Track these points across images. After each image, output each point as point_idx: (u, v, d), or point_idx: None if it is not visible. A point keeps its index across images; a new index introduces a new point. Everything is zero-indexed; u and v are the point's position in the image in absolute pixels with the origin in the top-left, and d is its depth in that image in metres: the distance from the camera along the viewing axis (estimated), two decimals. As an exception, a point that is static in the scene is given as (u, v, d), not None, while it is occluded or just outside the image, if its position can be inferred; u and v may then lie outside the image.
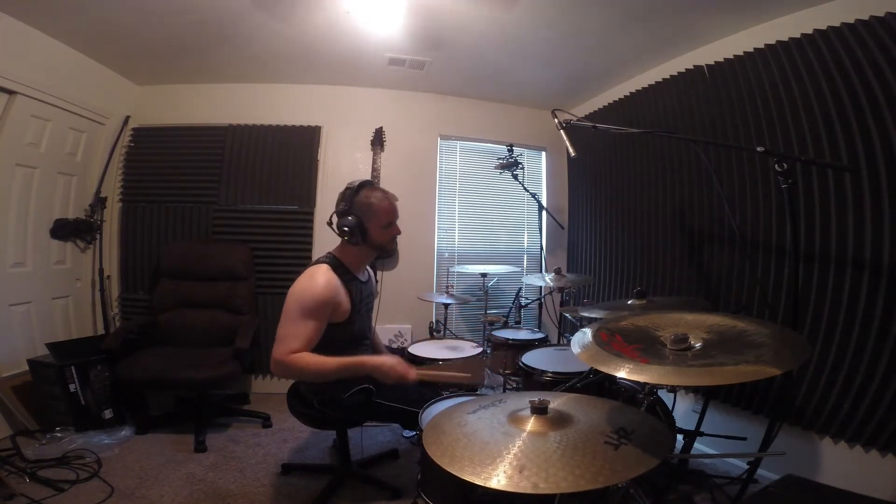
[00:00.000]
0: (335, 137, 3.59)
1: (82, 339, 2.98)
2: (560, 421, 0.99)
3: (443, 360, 2.35)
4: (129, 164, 3.42)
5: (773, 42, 2.22)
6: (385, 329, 3.46)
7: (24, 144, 2.71)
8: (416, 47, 2.89)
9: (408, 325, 3.56)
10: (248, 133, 3.49)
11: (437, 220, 3.76)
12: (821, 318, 2.02)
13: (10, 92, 2.54)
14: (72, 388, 2.51)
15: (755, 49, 2.30)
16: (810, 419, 2.05)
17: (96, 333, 3.21)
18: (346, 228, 1.80)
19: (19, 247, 2.73)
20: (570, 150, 1.92)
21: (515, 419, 1.01)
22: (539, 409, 0.99)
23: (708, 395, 2.31)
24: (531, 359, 2.18)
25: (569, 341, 2.14)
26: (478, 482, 0.81)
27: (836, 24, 1.96)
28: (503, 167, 3.28)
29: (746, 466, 1.69)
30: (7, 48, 2.47)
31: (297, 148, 3.51)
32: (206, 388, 2.69)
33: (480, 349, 2.53)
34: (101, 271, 3.23)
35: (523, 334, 2.76)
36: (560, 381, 1.91)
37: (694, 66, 2.64)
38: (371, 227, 1.83)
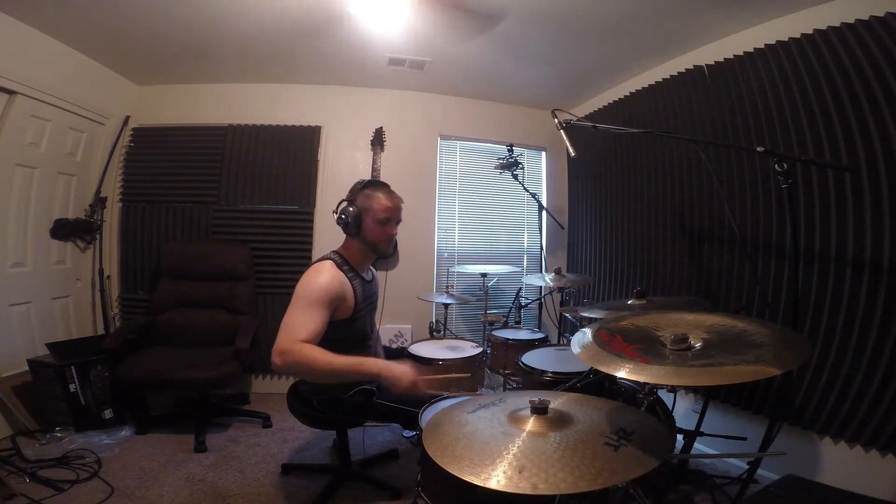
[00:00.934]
0: (335, 137, 3.59)
1: (82, 339, 2.98)
2: (560, 421, 0.99)
3: (443, 360, 2.35)
4: (129, 164, 3.42)
5: (773, 42, 2.22)
6: (385, 329, 3.46)
7: (24, 144, 2.71)
8: (416, 47, 2.89)
9: (408, 325, 3.56)
10: (248, 133, 3.49)
11: (437, 220, 3.76)
12: (821, 318, 2.02)
13: (10, 92, 2.54)
14: (72, 388, 2.50)
15: (755, 49, 2.30)
16: (810, 419, 2.05)
17: (96, 333, 3.21)
18: (343, 217, 1.81)
19: (19, 247, 2.73)
20: (570, 150, 1.92)
21: (515, 419, 1.01)
22: (539, 409, 0.99)
23: (708, 395, 2.31)
24: (531, 359, 2.18)
25: (569, 341, 2.14)
26: (477, 482, 0.81)
27: (836, 24, 1.96)
28: (503, 167, 3.28)
29: (746, 466, 1.69)
30: (7, 48, 2.47)
31: (297, 148, 3.51)
32: (206, 388, 2.69)
33: (480, 349, 2.53)
34: (101, 271, 3.23)
35: (523, 334, 2.76)
36: (560, 381, 1.91)
37: (694, 66, 2.64)
38: (367, 220, 1.82)
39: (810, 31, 2.06)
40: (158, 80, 3.43)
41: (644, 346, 1.11)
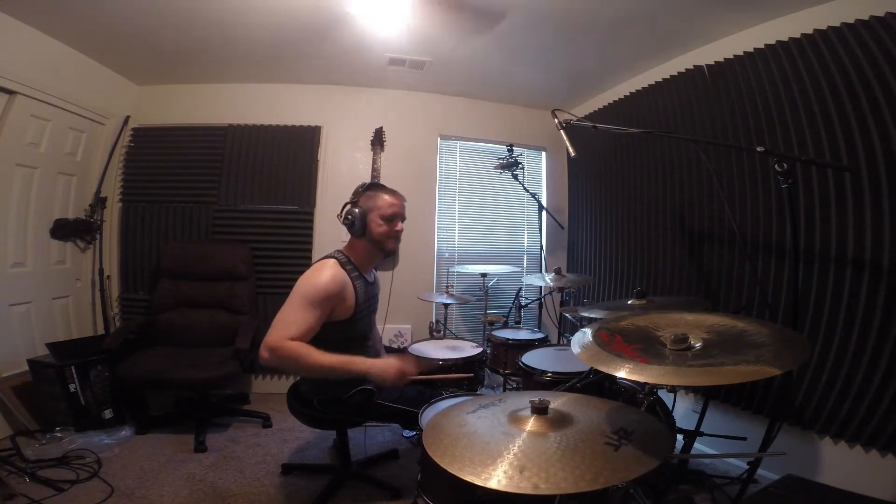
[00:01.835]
0: (335, 137, 3.59)
1: (82, 339, 2.98)
2: (560, 421, 0.99)
3: (443, 360, 2.36)
4: (129, 164, 3.42)
5: (773, 42, 2.22)
6: (385, 329, 3.46)
7: (24, 144, 2.71)
8: (417, 47, 2.89)
9: (408, 325, 3.56)
10: (248, 133, 3.49)
11: (437, 219, 3.76)
12: (821, 318, 2.02)
13: (10, 92, 2.54)
14: (72, 388, 2.50)
15: (755, 49, 2.30)
16: (810, 419, 2.05)
17: (96, 333, 3.21)
18: (349, 218, 1.82)
19: (19, 247, 2.73)
20: (570, 150, 1.92)
21: (515, 419, 1.01)
22: (539, 410, 0.99)
23: (708, 395, 2.30)
24: (531, 359, 2.18)
25: (569, 341, 2.14)
26: (478, 482, 0.81)
27: (836, 24, 1.96)
28: (503, 167, 3.28)
29: (746, 466, 1.69)
30: (7, 48, 2.47)
31: (297, 148, 3.51)
32: (206, 388, 2.69)
33: (480, 349, 2.53)
34: (101, 271, 3.23)
35: (523, 334, 2.76)
36: (560, 381, 1.91)
37: (694, 66, 2.64)
38: (371, 217, 1.83)
39: (810, 31, 2.06)
40: (158, 80, 3.43)
41: (644, 346, 1.11)
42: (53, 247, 2.98)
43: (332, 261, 1.80)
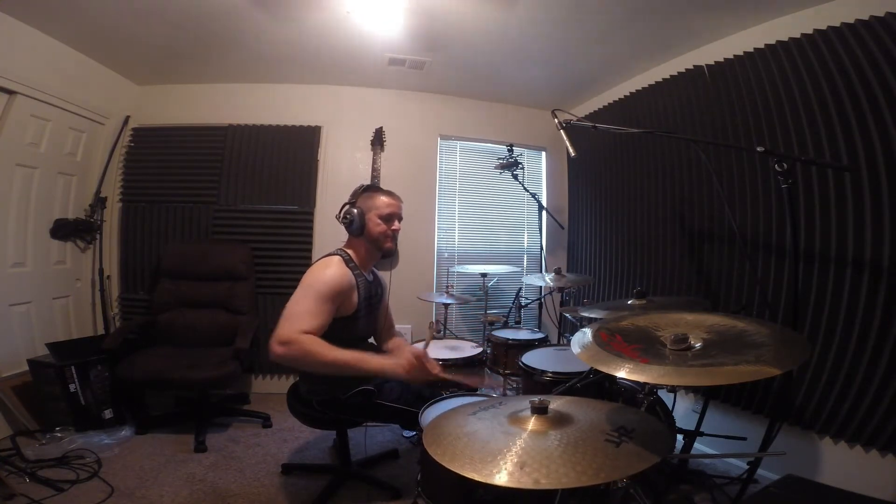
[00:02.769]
0: (335, 137, 3.59)
1: (82, 339, 2.98)
2: (560, 420, 0.99)
3: (443, 360, 2.36)
4: (129, 164, 3.42)
5: (773, 42, 2.22)
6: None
7: (24, 144, 2.71)
8: (416, 47, 2.89)
9: (408, 325, 3.55)
10: (248, 133, 3.49)
11: (437, 220, 3.76)
12: (821, 318, 2.02)
13: (10, 92, 2.54)
14: (72, 388, 2.50)
15: (755, 49, 2.30)
16: (810, 419, 2.05)
17: (96, 333, 3.21)
18: (347, 217, 1.85)
19: (19, 247, 2.73)
20: (570, 150, 1.92)
21: (516, 419, 1.01)
22: (539, 409, 0.99)
23: (708, 395, 2.31)
24: (531, 359, 2.18)
25: (569, 341, 2.14)
26: (479, 479, 0.81)
27: (836, 24, 1.96)
28: (503, 167, 3.28)
29: (746, 466, 1.69)
30: (7, 48, 2.47)
31: (297, 148, 3.51)
32: (206, 388, 2.69)
33: (480, 349, 2.53)
34: (101, 271, 3.23)
35: (523, 334, 2.76)
36: (560, 381, 1.91)
37: (694, 66, 2.64)
38: (369, 217, 1.86)
39: (810, 31, 2.06)
40: (158, 80, 3.43)
41: (644, 346, 1.11)
42: (53, 247, 2.98)
43: (337, 258, 1.81)
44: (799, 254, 1.88)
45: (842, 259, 1.95)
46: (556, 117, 1.93)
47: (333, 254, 1.86)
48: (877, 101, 1.83)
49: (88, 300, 3.24)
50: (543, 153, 4.04)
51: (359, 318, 1.86)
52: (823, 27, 2.01)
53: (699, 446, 2.39)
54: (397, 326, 3.53)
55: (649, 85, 3.00)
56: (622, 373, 0.99)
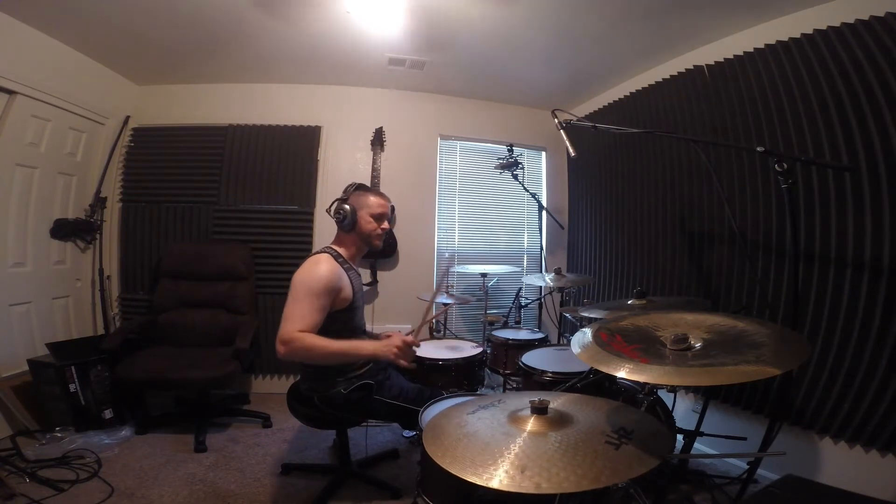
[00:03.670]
0: (335, 137, 3.58)
1: (82, 339, 2.98)
2: (560, 421, 0.99)
3: (443, 360, 2.36)
4: (129, 164, 3.42)
5: (773, 42, 2.22)
6: (385, 329, 3.46)
7: (24, 144, 2.71)
8: (416, 47, 2.89)
9: (408, 325, 3.55)
10: (248, 133, 3.49)
11: (437, 220, 3.76)
12: (821, 318, 2.02)
13: (10, 92, 2.54)
14: (72, 388, 2.50)
15: (755, 49, 2.30)
16: (810, 419, 2.05)
17: (96, 333, 3.21)
18: (340, 213, 1.92)
19: (19, 247, 2.73)
20: (570, 150, 1.92)
21: (515, 419, 1.01)
22: (539, 410, 0.99)
23: (708, 395, 2.31)
24: (531, 359, 2.18)
25: (569, 341, 2.15)
26: (479, 483, 0.81)
27: (836, 24, 1.96)
28: (503, 167, 3.28)
29: (746, 466, 1.70)
30: (7, 48, 2.47)
31: (297, 148, 3.50)
32: (206, 388, 2.69)
33: (480, 349, 2.53)
34: (101, 271, 3.23)
35: (523, 334, 2.76)
36: (560, 381, 1.91)
37: (694, 66, 2.64)
38: (361, 214, 1.93)
39: (810, 31, 2.06)
40: (158, 80, 3.43)
41: (644, 346, 1.11)
42: (53, 247, 2.98)
43: (325, 255, 1.86)
44: (799, 254, 1.88)
45: (842, 259, 1.95)
46: (556, 117, 1.93)
47: (321, 252, 1.90)
48: (877, 101, 1.82)
49: (88, 300, 3.24)
50: (543, 153, 4.04)
51: (356, 309, 1.92)
52: (823, 27, 2.01)
53: (699, 446, 2.39)
54: (397, 327, 3.55)
55: (649, 85, 3.00)
56: (622, 373, 0.99)
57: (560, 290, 2.88)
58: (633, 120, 3.11)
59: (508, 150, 3.27)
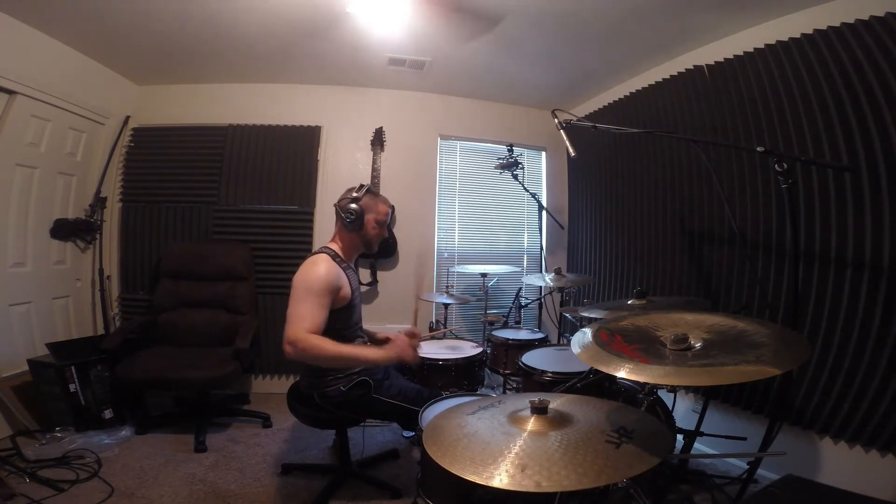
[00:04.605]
0: (335, 137, 3.59)
1: (82, 339, 2.98)
2: (560, 420, 0.99)
3: (443, 360, 2.36)
4: (129, 164, 3.42)
5: (773, 42, 2.22)
6: (385, 329, 3.46)
7: (24, 144, 2.71)
8: (416, 47, 2.89)
9: (408, 325, 3.55)
10: (248, 133, 3.49)
11: (437, 220, 3.76)
12: (821, 318, 2.02)
13: (10, 92, 2.54)
14: (72, 388, 2.50)
15: (755, 49, 2.30)
16: (810, 419, 2.05)
17: (96, 333, 3.21)
18: (349, 213, 1.94)
19: (19, 247, 2.73)
20: (570, 150, 1.92)
21: (515, 419, 1.01)
22: (539, 409, 0.99)
23: (708, 395, 2.30)
24: (531, 359, 2.18)
25: (569, 341, 2.15)
26: (480, 482, 0.81)
27: (836, 24, 1.96)
28: (503, 167, 3.28)
29: (746, 466, 1.70)
30: (7, 48, 2.47)
31: (297, 148, 3.50)
32: (206, 388, 2.69)
33: (480, 349, 2.53)
34: (101, 271, 3.23)
35: (523, 334, 2.76)
36: (560, 381, 1.91)
37: (694, 66, 2.64)
38: (368, 218, 1.97)
39: (810, 31, 2.06)
40: (158, 80, 3.43)
41: (644, 346, 1.11)
42: (53, 247, 2.98)
43: (324, 255, 1.88)
44: (799, 254, 1.88)
45: (842, 259, 1.95)
46: (556, 117, 1.93)
47: (319, 252, 1.92)
48: (877, 101, 1.82)
49: (88, 300, 3.24)
50: (543, 153, 4.04)
51: (354, 307, 1.95)
52: (823, 27, 2.01)
53: (699, 446, 2.39)
54: (398, 326, 3.55)
55: (649, 85, 3.00)
56: (622, 373, 0.99)
57: (560, 290, 2.88)
58: (633, 120, 3.11)
59: (508, 150, 3.26)
